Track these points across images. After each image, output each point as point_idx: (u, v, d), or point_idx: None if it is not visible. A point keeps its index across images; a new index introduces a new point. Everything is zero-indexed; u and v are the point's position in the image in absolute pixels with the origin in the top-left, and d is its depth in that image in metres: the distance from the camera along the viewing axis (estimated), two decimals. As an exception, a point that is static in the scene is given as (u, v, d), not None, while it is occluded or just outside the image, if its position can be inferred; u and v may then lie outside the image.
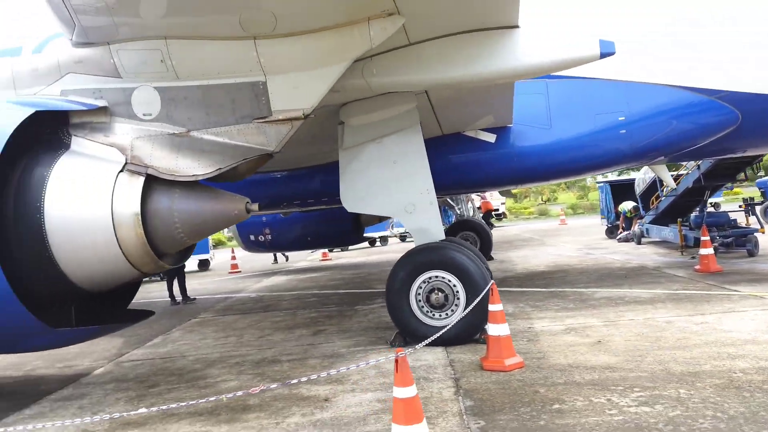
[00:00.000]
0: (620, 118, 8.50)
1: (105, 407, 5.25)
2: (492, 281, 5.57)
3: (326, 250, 21.34)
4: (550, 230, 25.43)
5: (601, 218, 20.44)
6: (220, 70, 5.09)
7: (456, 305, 6.28)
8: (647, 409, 3.99)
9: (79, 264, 4.95)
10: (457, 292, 6.26)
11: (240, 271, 18.94)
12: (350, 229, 15.68)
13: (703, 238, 10.15)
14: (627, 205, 17.34)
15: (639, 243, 15.88)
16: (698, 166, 12.41)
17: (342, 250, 24.12)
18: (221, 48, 4.97)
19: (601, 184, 19.79)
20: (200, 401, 4.03)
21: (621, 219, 17.33)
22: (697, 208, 13.18)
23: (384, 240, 26.67)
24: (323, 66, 5.01)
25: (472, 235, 14.74)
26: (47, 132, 5.18)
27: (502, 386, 4.80)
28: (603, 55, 5.40)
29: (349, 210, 6.89)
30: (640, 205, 16.50)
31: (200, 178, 5.14)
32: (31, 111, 4.92)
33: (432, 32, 5.43)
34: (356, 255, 22.43)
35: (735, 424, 3.64)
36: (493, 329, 5.35)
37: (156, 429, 4.59)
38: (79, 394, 5.80)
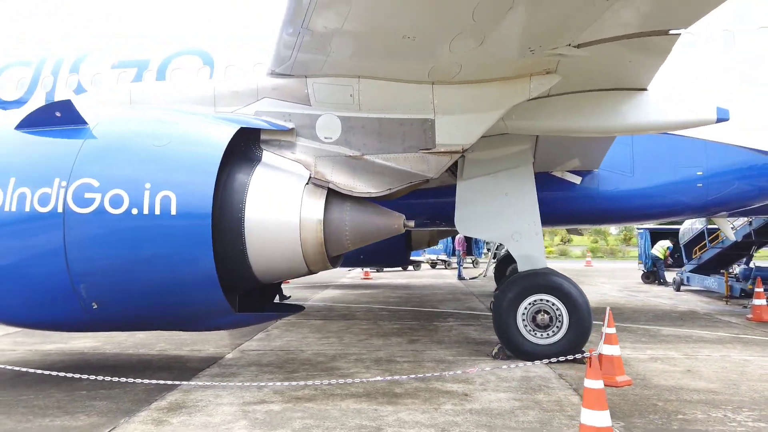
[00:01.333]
0: (698, 173, 9.33)
1: (264, 383, 6.05)
2: (608, 308, 6.36)
3: (368, 269, 22.14)
4: (580, 271, 26.08)
5: (639, 263, 21.16)
6: (397, 107, 6.02)
7: (558, 326, 7.06)
8: (764, 425, 4.75)
9: (264, 258, 5.81)
10: (560, 314, 7.04)
11: (288, 282, 19.77)
12: (402, 251, 16.50)
13: (757, 290, 10.87)
14: (663, 244, 17.99)
15: (678, 290, 16.56)
16: (750, 222, 13.18)
17: (378, 271, 24.91)
18: (403, 89, 5.90)
19: (642, 231, 20.56)
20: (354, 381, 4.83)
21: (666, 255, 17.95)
22: (743, 261, 13.89)
23: (417, 265, 27.45)
24: (486, 110, 5.93)
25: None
26: (241, 145, 6.09)
27: (622, 398, 5.57)
28: (718, 120, 6.29)
29: (462, 233, 7.74)
30: (683, 254, 17.22)
31: (373, 195, 6.04)
32: (237, 127, 5.86)
33: (571, 88, 6.33)
34: (393, 276, 23.21)
35: None
36: (606, 349, 6.13)
37: (327, 404, 5.37)
38: (230, 373, 6.61)
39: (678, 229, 18.25)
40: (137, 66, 11.21)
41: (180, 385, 6.00)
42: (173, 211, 5.36)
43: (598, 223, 11.36)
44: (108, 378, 5.13)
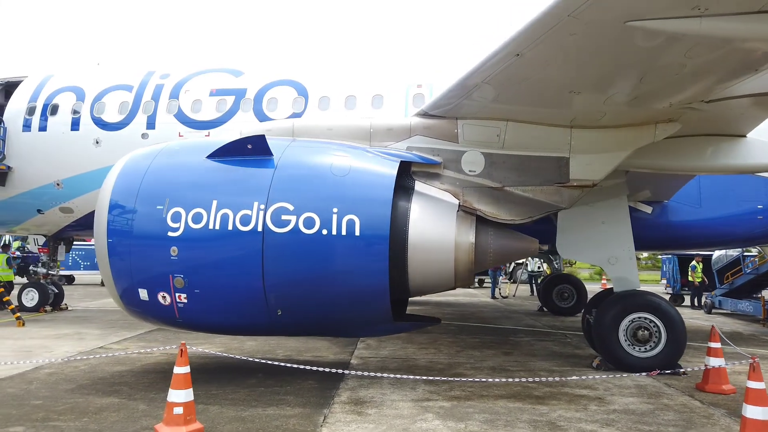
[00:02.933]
0: (759, 206, 10.33)
1: (411, 386, 6.87)
2: (713, 326, 7.25)
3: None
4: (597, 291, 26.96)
5: (666, 286, 22.14)
6: (537, 146, 6.98)
7: (656, 341, 7.93)
8: None
9: (420, 274, 6.68)
10: (658, 331, 7.93)
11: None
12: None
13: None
14: (695, 267, 18.91)
15: (709, 312, 17.50)
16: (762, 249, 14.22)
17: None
18: (545, 131, 6.87)
19: (668, 257, 21.62)
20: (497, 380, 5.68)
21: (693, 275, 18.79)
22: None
23: None
24: (615, 151, 6.90)
25: (569, 287, 16.34)
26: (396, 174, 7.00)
27: (734, 401, 6.45)
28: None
29: (563, 256, 8.65)
30: (715, 279, 18.22)
31: (516, 223, 6.97)
32: (399, 161, 6.79)
33: (679, 133, 7.31)
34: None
35: None
36: (713, 362, 7.02)
37: (486, 403, 6.21)
38: (372, 376, 7.41)
39: (705, 255, 19.24)
40: (235, 94, 12.17)
41: (341, 384, 6.83)
42: (357, 233, 6.24)
43: (663, 248, 12.33)
44: (287, 365, 5.95)
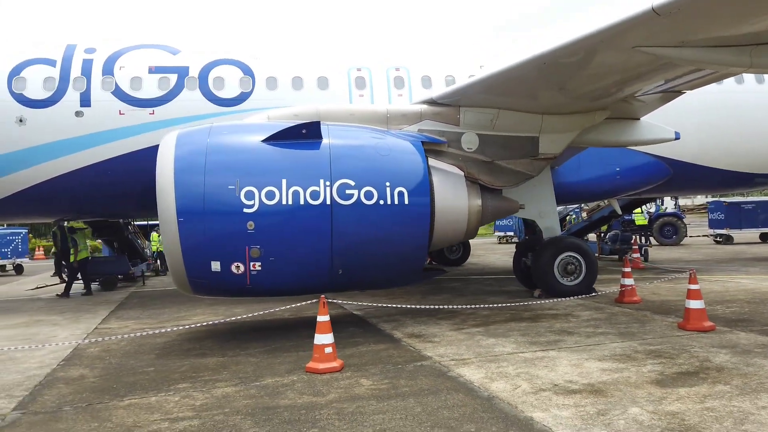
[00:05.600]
0: (617, 169, 13.79)
1: (436, 320, 8.62)
2: (625, 256, 10.13)
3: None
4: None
5: (514, 236, 26.55)
6: (518, 128, 9.04)
7: (578, 273, 10.68)
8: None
9: (441, 232, 8.37)
10: (580, 264, 10.66)
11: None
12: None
13: (633, 256, 15.96)
14: None
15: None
16: (608, 203, 18.55)
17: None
18: (525, 117, 8.95)
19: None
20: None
21: None
22: (611, 231, 19.40)
23: None
24: (570, 131, 9.27)
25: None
26: (413, 152, 8.53)
27: (649, 307, 9.36)
28: (675, 138, 10.44)
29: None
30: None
31: (504, 188, 8.98)
32: (420, 141, 8.34)
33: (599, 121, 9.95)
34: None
35: None
36: (627, 281, 9.90)
37: (501, 324, 8.23)
38: (394, 318, 8.98)
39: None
40: (177, 72, 12.27)
41: (379, 326, 8.34)
42: (406, 201, 7.73)
43: (561, 201, 15.47)
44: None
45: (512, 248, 26.49)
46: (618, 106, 9.41)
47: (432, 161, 8.67)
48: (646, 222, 24.60)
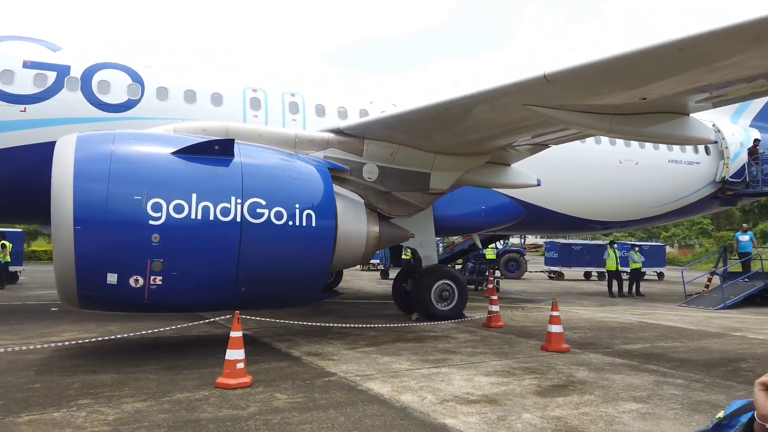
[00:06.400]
0: (482, 207, 15.31)
1: (328, 339, 8.96)
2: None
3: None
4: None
5: (379, 263, 27.57)
6: (414, 164, 9.81)
7: (452, 299, 11.70)
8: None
9: (342, 254, 8.80)
10: (453, 291, 11.70)
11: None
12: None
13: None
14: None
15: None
16: (471, 237, 20.31)
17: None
18: (420, 154, 9.76)
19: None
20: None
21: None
22: (469, 263, 21.11)
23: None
24: (456, 171, 10.26)
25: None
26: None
27: (512, 330, 10.55)
28: (538, 185, 11.98)
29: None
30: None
31: (400, 217, 9.64)
32: (327, 167, 8.76)
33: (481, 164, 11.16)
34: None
35: (611, 334, 10.28)
36: (494, 308, 11.06)
37: (390, 345, 8.80)
38: (287, 338, 9.13)
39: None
40: (56, 70, 11.48)
41: (274, 345, 8.47)
42: (314, 224, 8.07)
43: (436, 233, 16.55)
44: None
45: (376, 275, 27.65)
46: (496, 153, 10.65)
47: (336, 187, 9.11)
48: (494, 257, 27.08)
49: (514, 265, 28.62)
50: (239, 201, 7.55)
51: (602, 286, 24.38)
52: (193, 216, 7.27)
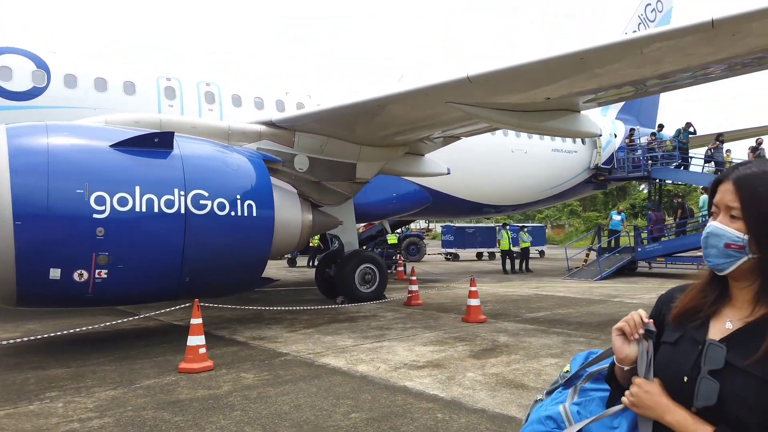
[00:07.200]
0: (394, 194, 16.21)
1: (266, 324, 9.35)
2: (413, 267, 12.18)
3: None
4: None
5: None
6: (341, 155, 10.36)
7: (374, 281, 12.47)
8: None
9: (279, 241, 9.20)
10: (374, 275, 12.48)
11: None
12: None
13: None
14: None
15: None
16: (381, 223, 21.27)
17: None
18: (347, 146, 10.32)
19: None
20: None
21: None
22: (377, 249, 22.04)
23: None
24: (379, 161, 10.97)
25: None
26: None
27: (430, 307, 11.54)
28: (448, 173, 13.05)
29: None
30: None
31: (330, 205, 10.16)
32: (262, 159, 9.11)
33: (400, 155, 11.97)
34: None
35: (517, 305, 11.61)
36: (413, 287, 11.99)
37: (327, 326, 9.38)
38: (234, 324, 9.38)
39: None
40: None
41: (219, 333, 8.76)
42: (255, 213, 8.41)
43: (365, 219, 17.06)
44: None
45: (282, 263, 27.80)
46: (414, 144, 11.52)
47: (271, 178, 9.46)
48: (396, 241, 28.32)
49: (414, 248, 30.03)
50: (182, 193, 7.71)
51: (495, 264, 26.45)
52: (137, 209, 7.35)
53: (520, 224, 30.28)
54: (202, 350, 6.51)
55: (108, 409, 5.07)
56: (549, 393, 1.87)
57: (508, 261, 21.67)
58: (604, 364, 1.75)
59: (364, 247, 25.04)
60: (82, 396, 5.49)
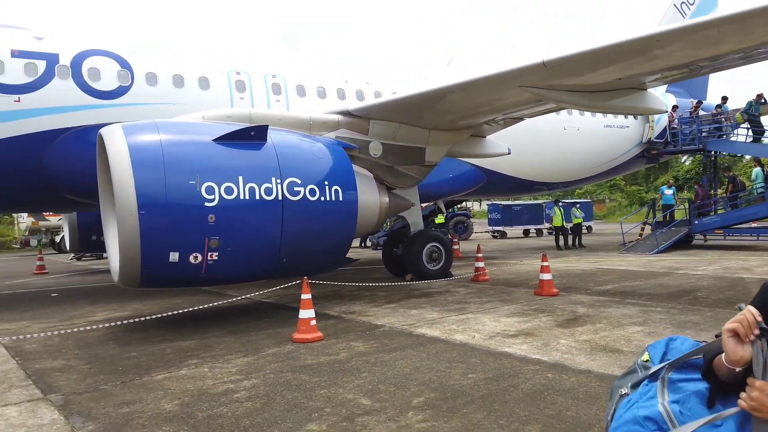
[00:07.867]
0: (450, 175, 16.64)
1: (352, 300, 10.00)
2: (478, 245, 12.65)
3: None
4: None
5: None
6: (411, 140, 10.87)
7: (440, 259, 13.00)
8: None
9: (362, 223, 9.79)
10: (441, 253, 13.00)
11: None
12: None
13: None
14: None
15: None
16: (436, 203, 21.72)
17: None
18: (417, 131, 10.82)
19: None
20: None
21: None
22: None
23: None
24: (447, 144, 11.43)
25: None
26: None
27: (500, 282, 12.02)
28: (508, 153, 13.42)
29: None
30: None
31: (402, 188, 10.72)
32: (342, 147, 9.68)
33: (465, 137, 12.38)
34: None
35: (582, 279, 11.99)
36: (480, 264, 12.47)
37: (405, 301, 9.98)
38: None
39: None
40: (46, 59, 11.53)
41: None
42: (341, 198, 9.01)
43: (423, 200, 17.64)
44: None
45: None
46: (478, 127, 11.93)
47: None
48: (444, 221, 28.77)
49: (462, 227, 30.45)
50: (278, 181, 8.35)
51: (543, 241, 26.66)
52: (242, 197, 8.02)
53: (565, 201, 30.33)
54: (313, 322, 7.18)
55: (250, 372, 5.76)
56: (634, 386, 1.79)
57: (561, 237, 21.89)
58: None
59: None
60: (220, 363, 6.20)
